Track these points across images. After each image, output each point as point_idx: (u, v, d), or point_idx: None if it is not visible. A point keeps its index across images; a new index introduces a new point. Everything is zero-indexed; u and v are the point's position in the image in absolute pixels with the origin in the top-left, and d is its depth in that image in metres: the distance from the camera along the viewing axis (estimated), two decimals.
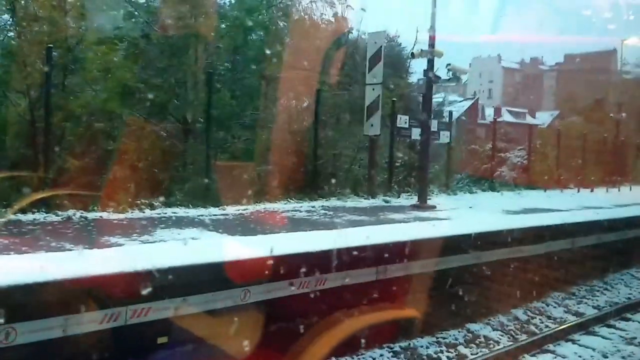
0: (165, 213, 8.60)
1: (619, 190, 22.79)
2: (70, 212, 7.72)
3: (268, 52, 12.30)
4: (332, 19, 14.24)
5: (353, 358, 6.28)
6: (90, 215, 7.84)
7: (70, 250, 5.48)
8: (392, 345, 6.77)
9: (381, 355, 6.56)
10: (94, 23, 10.31)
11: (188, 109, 11.13)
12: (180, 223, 7.71)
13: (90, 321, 4.45)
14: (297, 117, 13.07)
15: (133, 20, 11.30)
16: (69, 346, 4.39)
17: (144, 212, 8.50)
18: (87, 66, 9.89)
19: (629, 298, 9.92)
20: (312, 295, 5.96)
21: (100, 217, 7.86)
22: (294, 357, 5.58)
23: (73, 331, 4.36)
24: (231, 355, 5.17)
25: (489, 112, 58.56)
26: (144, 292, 4.63)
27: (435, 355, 6.74)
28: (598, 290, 10.36)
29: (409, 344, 6.88)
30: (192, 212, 8.87)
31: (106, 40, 10.20)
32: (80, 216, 7.67)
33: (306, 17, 14.09)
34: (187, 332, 5.03)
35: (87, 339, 4.45)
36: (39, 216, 7.47)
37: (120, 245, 5.87)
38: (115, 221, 7.69)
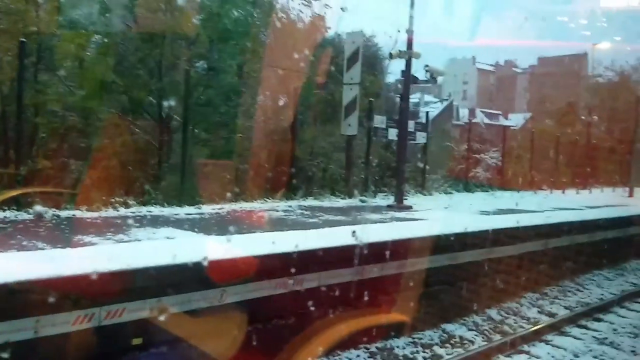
0: (140, 212, 8.49)
1: (590, 192, 23.20)
2: (43, 210, 7.56)
3: (246, 49, 12.22)
4: (311, 18, 14.21)
5: (329, 359, 6.26)
6: (63, 213, 7.69)
7: (42, 249, 5.36)
8: (368, 346, 6.76)
9: (358, 355, 6.55)
10: (68, 17, 10.12)
11: (164, 106, 10.99)
12: (156, 222, 7.61)
13: (63, 322, 4.35)
14: (275, 116, 13.02)
15: (108, 15, 11.10)
16: (40, 348, 4.29)
17: (118, 211, 8.36)
18: (61, 61, 9.70)
19: (601, 299, 10.08)
20: (290, 296, 5.93)
21: (74, 215, 7.72)
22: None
23: (45, 332, 4.26)
24: (207, 357, 5.11)
25: (464, 113, 59.09)
26: (119, 292, 4.56)
27: (411, 356, 6.77)
28: (570, 291, 10.52)
29: (386, 344, 6.90)
30: (168, 211, 8.77)
31: (80, 35, 10.01)
32: (53, 214, 7.51)
33: (284, 15, 14.04)
34: (162, 333, 4.96)
35: (59, 340, 4.35)
36: (10, 214, 7.30)
37: (93, 244, 5.76)
38: (88, 220, 7.56)
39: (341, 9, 14.30)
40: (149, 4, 10.78)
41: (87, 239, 6.00)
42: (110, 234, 6.38)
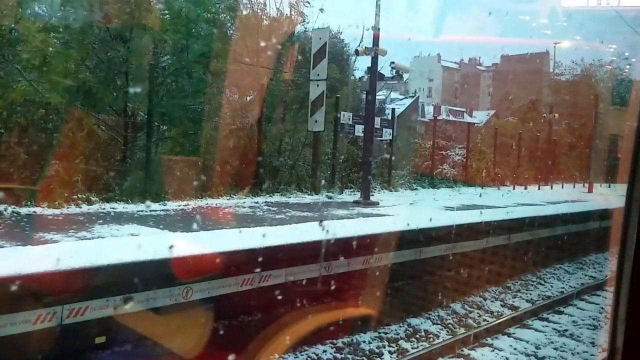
0: (104, 208, 8.35)
1: (551, 188, 23.72)
2: (2, 207, 7.37)
3: (214, 45, 12.10)
4: (279, 14, 14.17)
5: (297, 355, 6.27)
6: (24, 210, 7.52)
7: (2, 247, 5.23)
8: (334, 341, 6.79)
9: (324, 351, 6.57)
10: (31, 10, 9.85)
11: (129, 102, 10.81)
12: (120, 219, 7.50)
13: (23, 321, 4.26)
14: (242, 112, 12.94)
15: (73, 8, 10.84)
16: (0, 347, 4.18)
17: (80, 208, 8.22)
18: (22, 54, 9.44)
19: (562, 292, 10.32)
20: (256, 292, 5.91)
21: (34, 212, 7.55)
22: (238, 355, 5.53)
23: (4, 332, 4.16)
24: (172, 354, 5.07)
25: (429, 110, 59.61)
26: (82, 290, 4.48)
27: (377, 350, 6.82)
28: (532, 285, 10.74)
29: (352, 339, 6.93)
30: (132, 208, 8.65)
31: (44, 28, 9.75)
32: (13, 211, 7.34)
33: (252, 11, 13.96)
34: (127, 331, 4.89)
35: (20, 339, 4.26)
36: None
37: (55, 242, 5.65)
38: (50, 217, 7.41)
39: (320, 10, 14.22)
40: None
41: (48, 236, 5.89)
42: (72, 231, 6.28)
